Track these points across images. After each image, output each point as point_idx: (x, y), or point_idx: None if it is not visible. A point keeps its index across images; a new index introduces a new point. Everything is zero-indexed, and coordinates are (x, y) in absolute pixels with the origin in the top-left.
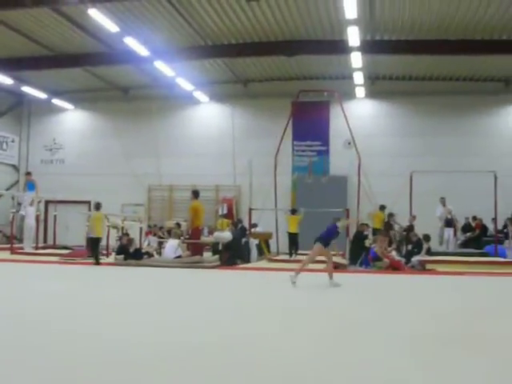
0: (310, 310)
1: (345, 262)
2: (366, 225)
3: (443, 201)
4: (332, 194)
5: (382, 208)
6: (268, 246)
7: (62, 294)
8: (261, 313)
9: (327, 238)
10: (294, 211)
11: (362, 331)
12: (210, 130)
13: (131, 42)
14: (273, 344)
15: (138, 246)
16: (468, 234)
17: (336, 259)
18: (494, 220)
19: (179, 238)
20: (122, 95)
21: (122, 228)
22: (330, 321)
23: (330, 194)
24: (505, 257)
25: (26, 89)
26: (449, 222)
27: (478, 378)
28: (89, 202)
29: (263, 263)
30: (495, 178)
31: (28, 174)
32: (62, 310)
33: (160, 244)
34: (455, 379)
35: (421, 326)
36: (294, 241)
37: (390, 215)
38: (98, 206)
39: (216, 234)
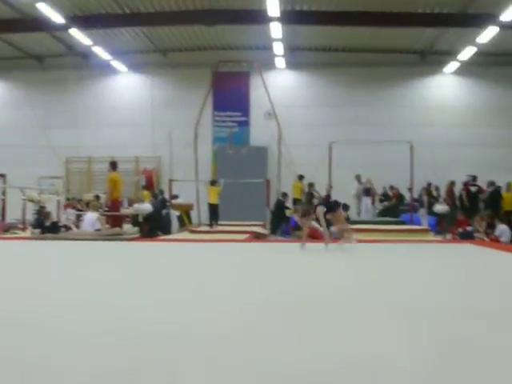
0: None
1: (266, 231)
2: (285, 194)
3: (358, 177)
4: (252, 165)
5: (301, 178)
6: (189, 218)
7: None
8: (176, 283)
9: None
10: (213, 182)
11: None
12: (130, 101)
13: (45, 8)
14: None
15: (55, 220)
16: (385, 203)
17: (257, 229)
18: (410, 189)
19: (98, 211)
20: (36, 64)
21: (39, 201)
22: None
23: (250, 165)
24: (419, 224)
25: None
26: (367, 191)
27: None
28: (3, 175)
29: (184, 234)
30: (411, 148)
31: None
32: None
33: (78, 217)
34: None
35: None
36: (214, 212)
37: (310, 185)
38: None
39: (136, 205)
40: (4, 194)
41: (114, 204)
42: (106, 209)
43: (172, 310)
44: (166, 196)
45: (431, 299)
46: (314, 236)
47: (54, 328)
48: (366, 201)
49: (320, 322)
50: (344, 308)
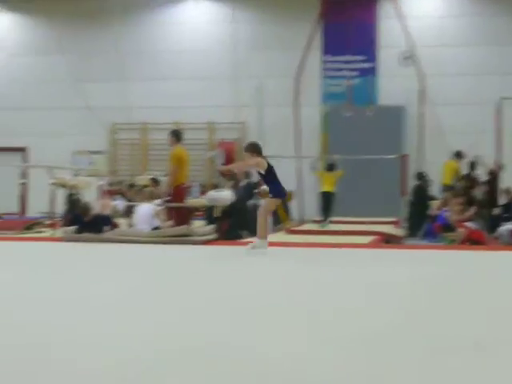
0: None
1: (401, 232)
2: (423, 176)
3: None
4: (381, 133)
5: (459, 156)
6: (287, 211)
7: None
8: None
9: None
10: (331, 167)
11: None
12: (201, 41)
13: None
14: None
15: (97, 212)
16: None
17: (387, 228)
18: None
19: (156, 201)
20: None
21: (73, 187)
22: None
23: (378, 134)
24: None
25: None
26: None
27: None
28: (23, 149)
29: (280, 236)
30: None
31: None
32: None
33: (130, 209)
34: None
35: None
36: (328, 204)
37: (473, 164)
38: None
39: (211, 193)
40: (25, 176)
41: (179, 191)
42: (168, 198)
43: None
44: (254, 179)
45: None
46: (475, 239)
47: None
48: None
49: None
50: None
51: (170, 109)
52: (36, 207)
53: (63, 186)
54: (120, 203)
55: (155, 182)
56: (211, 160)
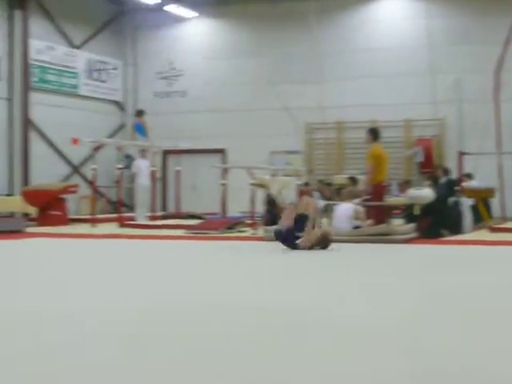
0: None
1: None
2: None
3: None
4: None
5: None
6: (489, 209)
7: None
8: None
9: None
10: None
11: None
12: (395, 37)
13: None
14: None
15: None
16: None
17: None
18: None
19: (356, 200)
20: None
21: (272, 187)
22: None
23: None
24: None
25: None
26: None
27: None
28: (221, 151)
29: (482, 234)
30: None
31: (140, 113)
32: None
33: (328, 208)
34: None
35: None
36: None
37: None
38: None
39: (411, 191)
40: (224, 177)
41: (378, 190)
42: (367, 197)
43: None
44: (454, 176)
45: None
46: None
47: None
48: None
49: None
50: None
51: (366, 107)
52: (235, 207)
53: (262, 185)
54: (319, 202)
55: (353, 180)
56: (410, 158)
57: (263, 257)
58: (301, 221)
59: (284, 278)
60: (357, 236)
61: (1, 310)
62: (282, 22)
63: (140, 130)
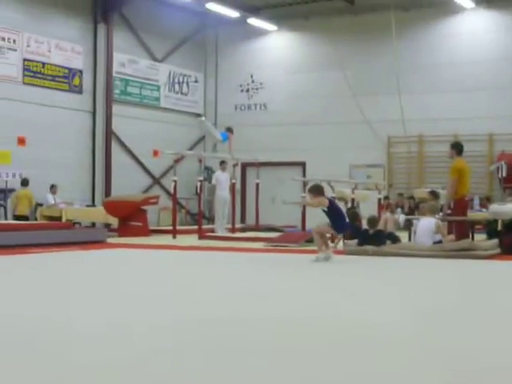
0: None
1: None
2: None
3: None
4: None
5: None
6: None
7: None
8: None
9: None
10: None
11: None
12: (476, 51)
13: None
14: None
15: (380, 227)
16: None
17: None
18: None
19: (437, 214)
20: (344, 7)
21: (353, 200)
22: None
23: None
24: None
25: (211, 5)
26: None
27: None
28: (303, 164)
29: None
30: None
31: (230, 130)
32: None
33: (409, 222)
34: None
35: None
36: None
37: None
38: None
39: (494, 206)
40: (305, 189)
41: (460, 204)
42: (448, 211)
43: None
44: None
45: None
46: None
47: None
48: None
49: None
50: None
51: (447, 121)
52: (315, 220)
53: (343, 198)
54: (400, 217)
55: (434, 195)
56: (493, 172)
57: (347, 270)
58: (378, 236)
59: (367, 291)
60: (438, 251)
61: (95, 323)
62: (362, 35)
63: (223, 136)
